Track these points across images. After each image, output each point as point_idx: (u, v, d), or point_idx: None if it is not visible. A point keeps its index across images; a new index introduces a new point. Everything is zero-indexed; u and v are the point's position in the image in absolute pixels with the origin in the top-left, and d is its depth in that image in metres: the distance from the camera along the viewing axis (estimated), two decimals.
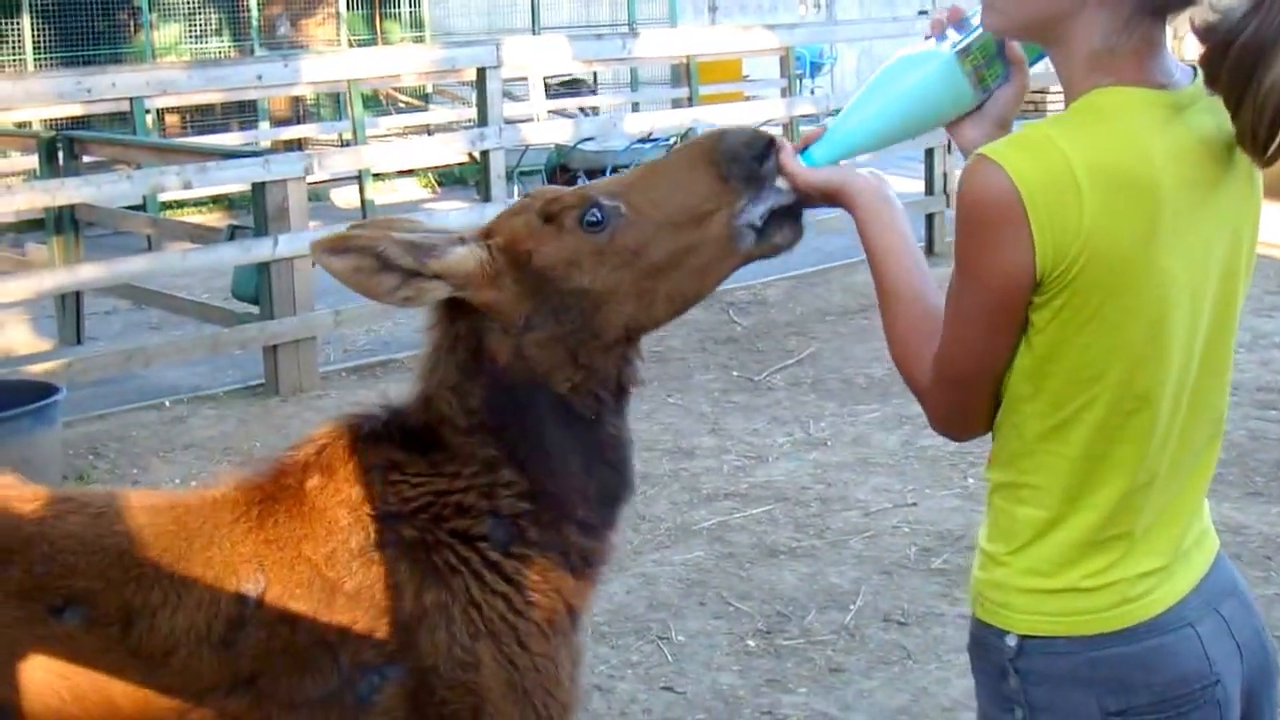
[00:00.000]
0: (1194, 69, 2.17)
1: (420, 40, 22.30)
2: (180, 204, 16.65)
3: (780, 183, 2.53)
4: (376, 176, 17.37)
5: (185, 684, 2.61)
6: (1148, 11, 2.10)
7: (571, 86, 22.40)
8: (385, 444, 2.74)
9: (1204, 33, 2.07)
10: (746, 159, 2.54)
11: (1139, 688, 2.21)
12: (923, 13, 24.06)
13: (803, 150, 2.50)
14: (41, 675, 2.60)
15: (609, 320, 2.63)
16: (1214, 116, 2.13)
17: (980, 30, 2.34)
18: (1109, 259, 2.05)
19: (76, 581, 2.63)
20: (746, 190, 2.54)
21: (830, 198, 2.46)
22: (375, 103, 20.43)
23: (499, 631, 2.66)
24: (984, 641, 2.33)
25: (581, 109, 20.82)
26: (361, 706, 2.62)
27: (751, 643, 5.53)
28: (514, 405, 2.66)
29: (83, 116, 15.69)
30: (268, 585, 2.64)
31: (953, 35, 2.37)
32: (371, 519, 2.67)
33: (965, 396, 2.26)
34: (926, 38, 2.43)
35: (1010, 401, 2.22)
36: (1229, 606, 2.31)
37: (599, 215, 2.60)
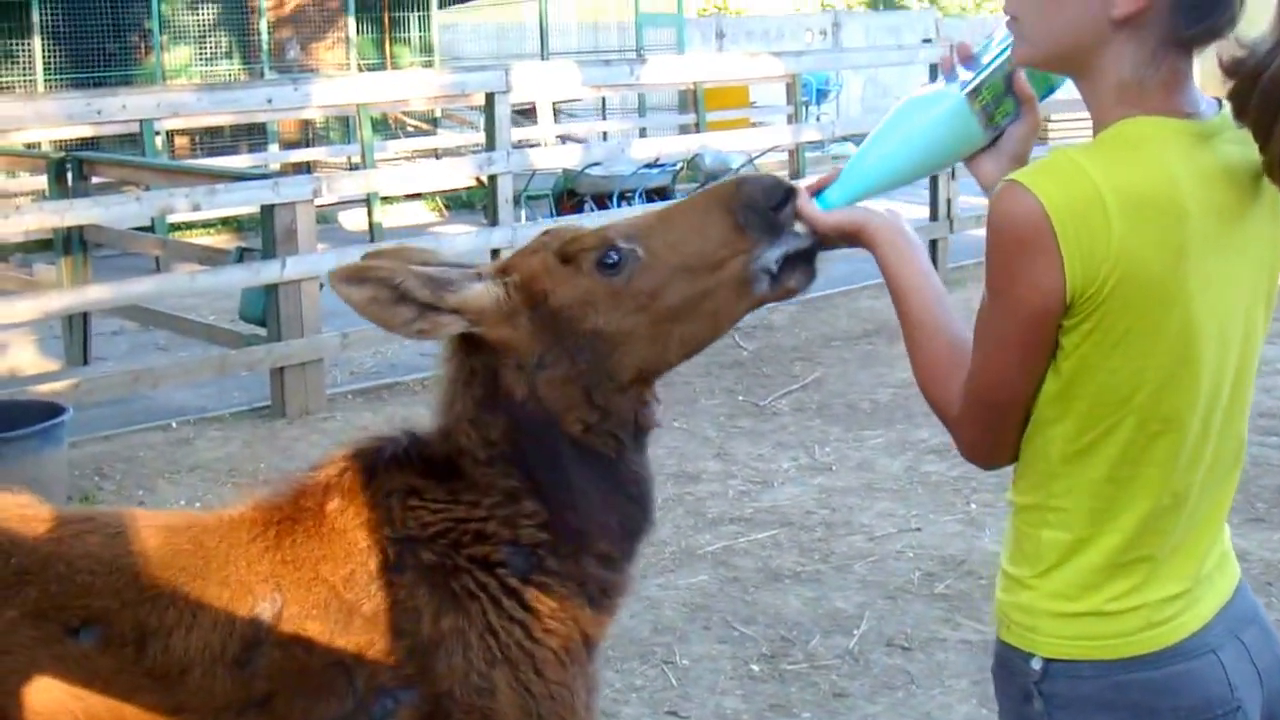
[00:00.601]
0: (1219, 101, 2.20)
1: (429, 64, 22.36)
2: (189, 225, 16.64)
3: (797, 227, 2.55)
4: (384, 200, 17.42)
5: (200, 704, 2.61)
6: (1175, 44, 2.13)
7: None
8: (406, 469, 2.74)
9: (1232, 67, 2.11)
10: (763, 207, 2.56)
11: (1163, 712, 2.22)
12: (927, 41, 24.16)
13: (817, 194, 2.53)
14: (57, 695, 2.60)
15: (623, 362, 2.63)
16: (1240, 147, 2.16)
17: (990, 69, 2.38)
18: (1137, 283, 2.07)
19: (93, 601, 2.63)
20: (763, 238, 2.56)
21: (850, 238, 2.48)
22: (384, 126, 20.48)
23: (515, 659, 2.65)
24: (1008, 664, 2.35)
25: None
26: None
27: (756, 667, 5.53)
28: (534, 439, 2.66)
29: (92, 137, 15.69)
30: (284, 605, 2.64)
31: (963, 73, 2.39)
32: (390, 542, 2.67)
33: (996, 423, 2.27)
34: (935, 79, 2.47)
35: (1036, 425, 2.24)
36: (1250, 633, 2.33)
37: (616, 258, 2.61)
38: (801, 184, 2.58)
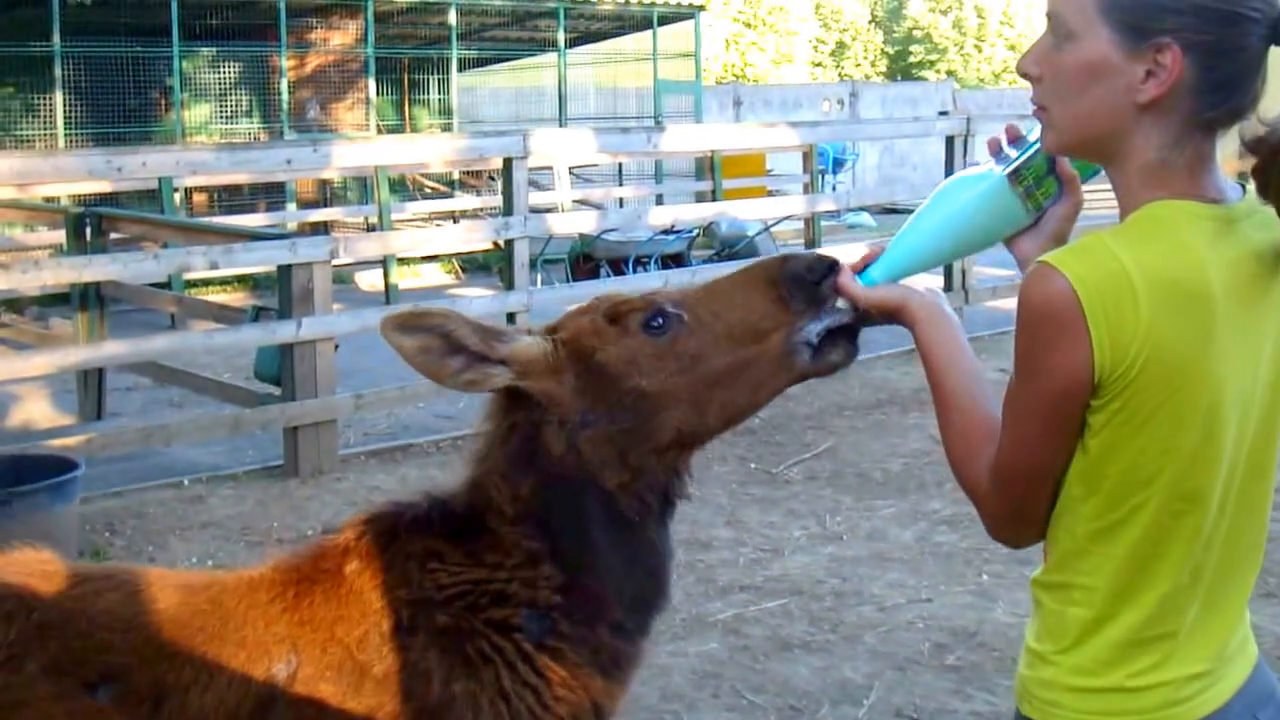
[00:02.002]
0: (1243, 186, 2.25)
1: (448, 127, 22.51)
2: (205, 282, 16.71)
3: (839, 303, 2.60)
4: (401, 261, 17.50)
5: None
6: (1199, 126, 2.17)
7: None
8: (427, 533, 2.75)
9: (1254, 145, 2.14)
10: (807, 282, 2.62)
11: None
12: (943, 113, 24.29)
13: (861, 270, 2.57)
14: None
15: (662, 423, 2.67)
16: (1264, 232, 2.20)
17: (1034, 150, 2.42)
18: (1165, 364, 2.10)
19: (111, 658, 2.65)
20: (805, 310, 2.62)
21: (890, 315, 2.52)
22: (402, 187, 20.59)
23: None
24: None
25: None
26: None
27: None
28: (562, 499, 2.68)
29: (111, 193, 15.75)
30: (299, 666, 2.65)
31: (1010, 152, 2.45)
32: (406, 604, 2.68)
33: (1022, 500, 2.29)
34: (984, 163, 2.51)
35: (1064, 502, 2.27)
36: (1267, 714, 2.34)
37: (661, 321, 2.67)
38: (845, 261, 2.62)
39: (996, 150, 2.48)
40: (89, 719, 2.62)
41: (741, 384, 2.68)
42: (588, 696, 2.73)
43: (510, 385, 2.69)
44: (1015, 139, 2.47)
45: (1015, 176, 2.43)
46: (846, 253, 2.65)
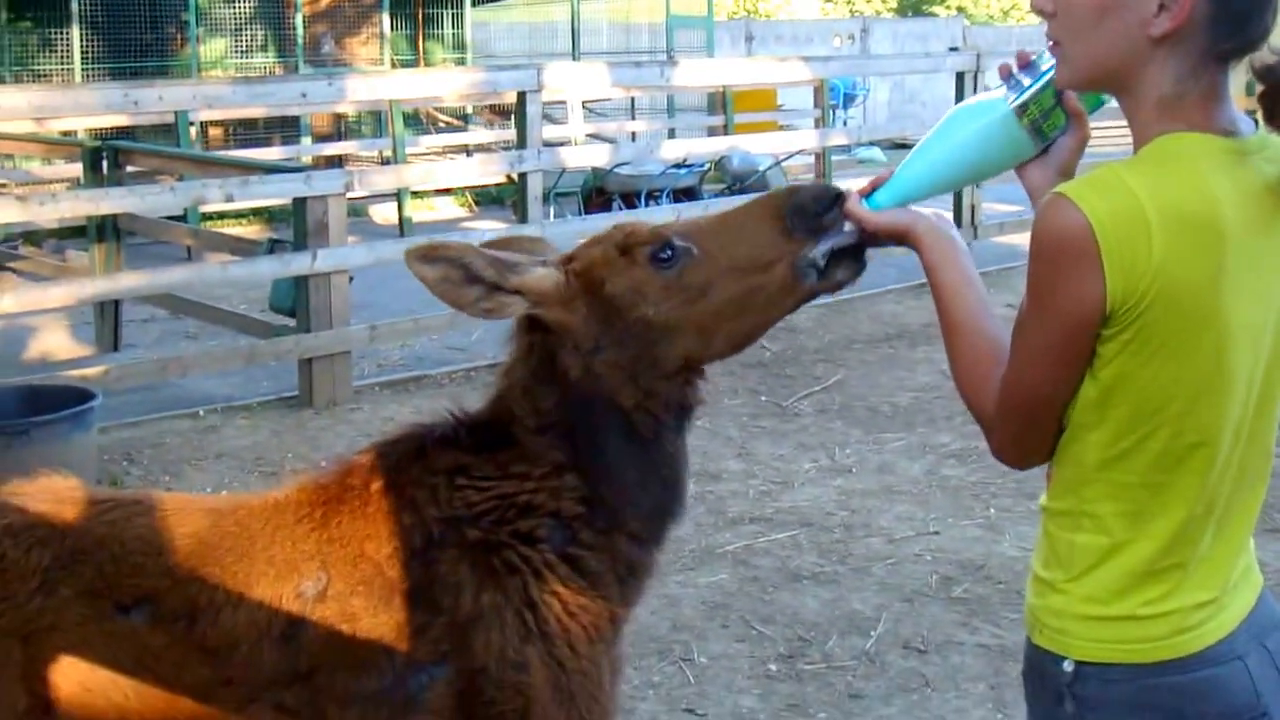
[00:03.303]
0: (1256, 121, 2.25)
1: (461, 61, 22.38)
2: (220, 215, 16.66)
3: (845, 226, 2.62)
4: (415, 194, 17.48)
5: (247, 677, 2.70)
6: (1213, 57, 2.18)
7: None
8: (453, 448, 2.82)
9: (1264, 73, 2.16)
10: (811, 212, 2.64)
11: (1190, 716, 2.26)
12: (954, 49, 24.17)
13: (867, 195, 2.59)
14: (108, 670, 2.69)
15: (670, 351, 2.73)
16: (1276, 166, 2.21)
17: (1045, 81, 2.42)
18: (1177, 295, 2.11)
19: (144, 581, 2.72)
20: (809, 239, 2.64)
21: (897, 238, 2.53)
22: (416, 121, 20.50)
23: (552, 633, 2.72)
24: (1040, 666, 2.38)
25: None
26: (411, 704, 2.70)
27: (773, 666, 5.58)
28: (582, 414, 2.76)
29: (127, 126, 15.72)
30: (329, 582, 2.72)
31: (1023, 79, 2.45)
32: (436, 521, 2.75)
33: (1029, 425, 2.31)
34: (996, 87, 2.50)
35: (1073, 430, 2.28)
36: (1273, 640, 2.36)
37: (670, 253, 2.70)
38: (851, 186, 2.64)
39: (1007, 75, 2.47)
40: (124, 640, 2.70)
41: (748, 313, 2.72)
42: (606, 605, 2.79)
43: (526, 313, 2.76)
44: (1026, 65, 2.46)
45: (1022, 109, 2.43)
46: (856, 186, 2.66)
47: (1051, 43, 2.31)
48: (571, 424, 2.77)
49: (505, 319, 2.80)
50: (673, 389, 2.77)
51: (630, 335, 2.73)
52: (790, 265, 2.65)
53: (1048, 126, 2.45)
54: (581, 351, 2.74)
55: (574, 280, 2.76)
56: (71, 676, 2.70)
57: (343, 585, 2.72)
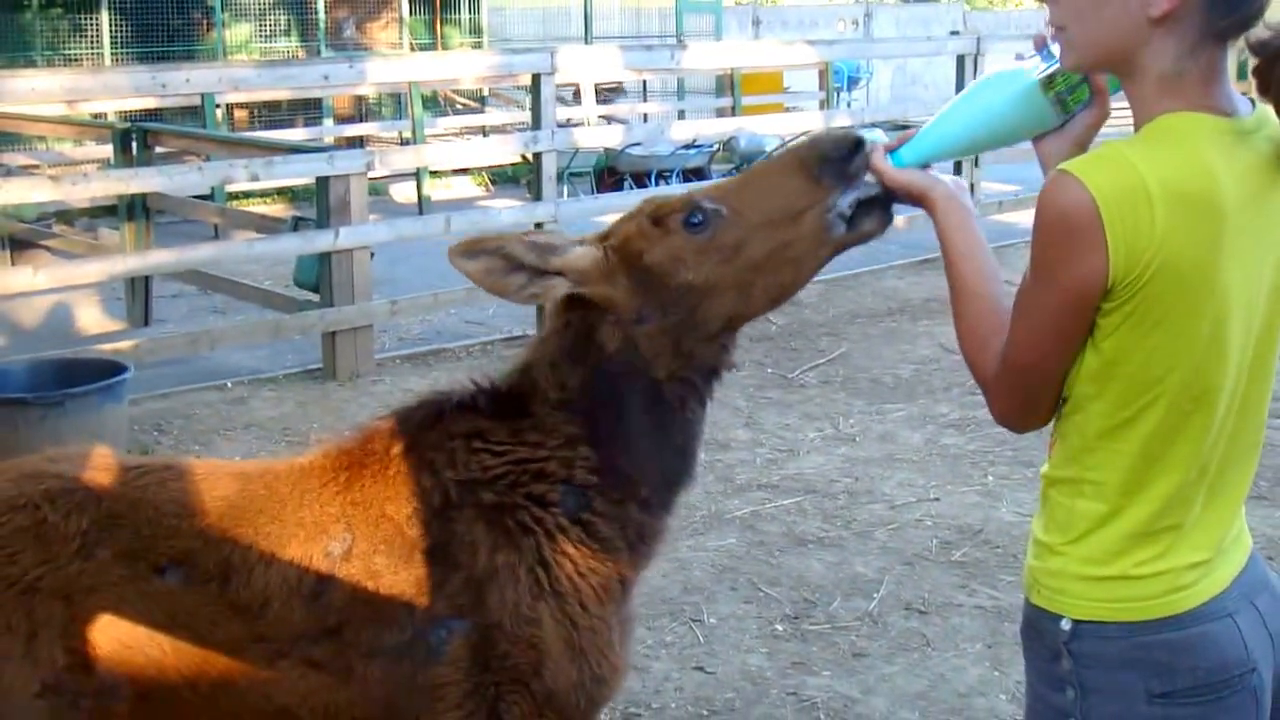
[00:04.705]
0: (1253, 101, 2.30)
1: (478, 45, 22.36)
2: (246, 194, 16.74)
3: (869, 177, 2.67)
4: (433, 174, 17.53)
5: (278, 633, 2.79)
6: (1211, 36, 2.21)
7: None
8: (471, 413, 2.91)
9: (1259, 47, 2.20)
10: (836, 159, 2.69)
11: (1183, 671, 2.29)
12: (954, 33, 24.23)
13: (892, 151, 2.63)
14: (145, 628, 2.77)
15: (711, 312, 2.79)
16: (1273, 145, 2.27)
17: None
18: (1177, 269, 2.14)
19: (178, 543, 2.81)
20: (836, 185, 2.69)
21: (914, 198, 2.59)
22: (434, 103, 20.56)
23: (564, 591, 2.81)
24: (1038, 625, 2.42)
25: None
26: (431, 656, 2.79)
27: (779, 627, 5.67)
28: (606, 389, 2.83)
29: (155, 109, 15.73)
30: (354, 542, 2.81)
31: (1055, 49, 2.43)
32: (453, 483, 2.83)
33: (1029, 392, 2.34)
34: (1029, 57, 2.52)
35: (1075, 400, 2.32)
36: (1263, 600, 2.40)
37: (701, 217, 2.77)
38: (878, 140, 2.68)
39: (1041, 45, 2.47)
40: (160, 600, 2.79)
41: (784, 265, 2.76)
42: (616, 568, 2.89)
43: (570, 293, 2.83)
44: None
45: (1049, 81, 2.44)
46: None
47: (1055, 28, 2.34)
48: (593, 400, 2.84)
49: (550, 301, 2.87)
50: (711, 351, 2.84)
51: (673, 301, 2.78)
52: (820, 214, 2.70)
53: (1072, 100, 2.47)
54: (624, 324, 2.81)
55: (613, 255, 2.83)
56: (110, 634, 2.76)
57: (366, 545, 2.81)
